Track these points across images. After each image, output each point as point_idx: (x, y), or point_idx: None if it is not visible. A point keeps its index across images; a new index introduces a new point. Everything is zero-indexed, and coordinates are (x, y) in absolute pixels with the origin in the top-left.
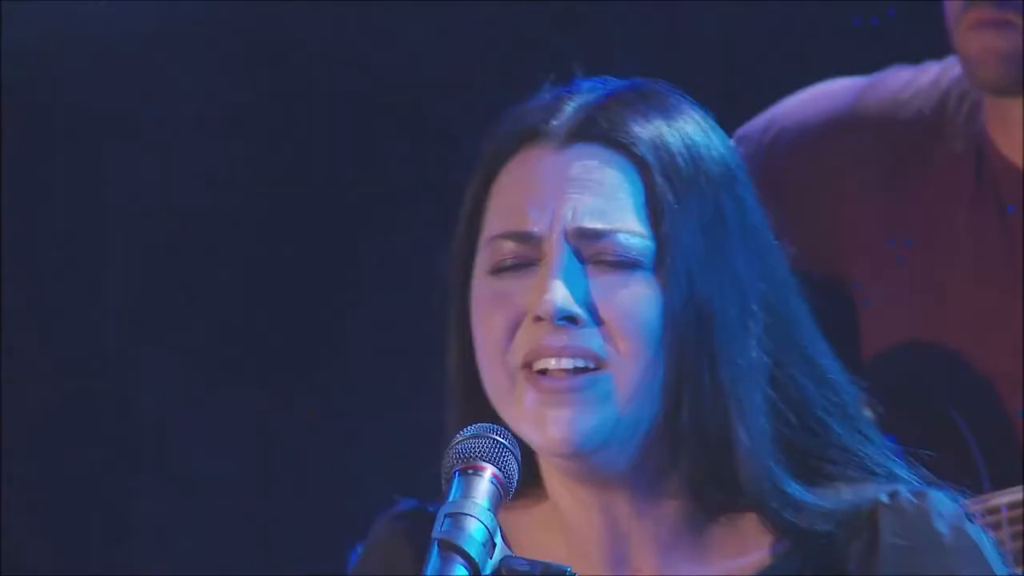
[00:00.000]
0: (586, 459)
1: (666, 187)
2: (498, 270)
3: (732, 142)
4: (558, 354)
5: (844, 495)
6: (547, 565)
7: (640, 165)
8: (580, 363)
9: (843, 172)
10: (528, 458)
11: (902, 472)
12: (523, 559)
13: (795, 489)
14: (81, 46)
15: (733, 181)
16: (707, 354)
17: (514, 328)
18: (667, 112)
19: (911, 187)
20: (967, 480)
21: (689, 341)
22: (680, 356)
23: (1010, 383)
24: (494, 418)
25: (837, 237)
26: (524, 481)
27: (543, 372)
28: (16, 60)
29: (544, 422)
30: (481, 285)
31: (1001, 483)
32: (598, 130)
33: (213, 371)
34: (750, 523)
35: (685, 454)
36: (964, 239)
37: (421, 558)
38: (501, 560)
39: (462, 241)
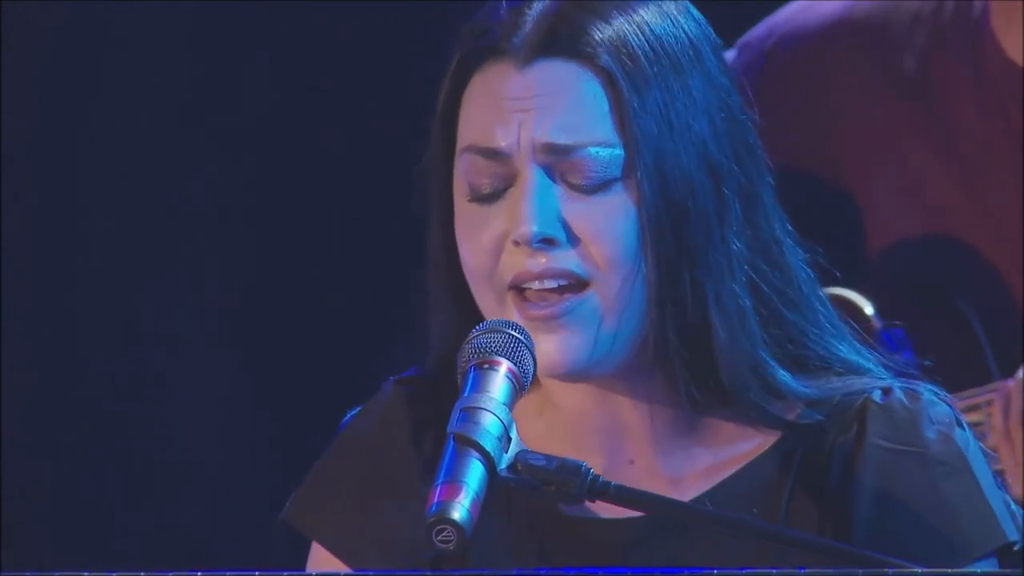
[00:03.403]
0: (578, 376)
1: (631, 92)
2: (476, 197)
3: (707, 26)
4: (541, 276)
5: (834, 384)
6: (563, 460)
7: (603, 74)
8: (563, 282)
9: (843, 72)
10: None
11: (878, 367)
12: (539, 454)
13: (781, 377)
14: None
15: (701, 58)
16: (686, 253)
17: (498, 252)
18: (625, 4)
19: (911, 85)
20: (976, 370)
21: (668, 243)
22: (660, 259)
23: (1017, 274)
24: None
25: (838, 137)
26: None
27: (528, 293)
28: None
29: (535, 346)
30: (461, 209)
31: (1010, 371)
32: (559, 43)
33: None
34: (740, 417)
35: (672, 354)
36: (965, 134)
37: (414, 424)
38: (517, 454)
39: (438, 149)
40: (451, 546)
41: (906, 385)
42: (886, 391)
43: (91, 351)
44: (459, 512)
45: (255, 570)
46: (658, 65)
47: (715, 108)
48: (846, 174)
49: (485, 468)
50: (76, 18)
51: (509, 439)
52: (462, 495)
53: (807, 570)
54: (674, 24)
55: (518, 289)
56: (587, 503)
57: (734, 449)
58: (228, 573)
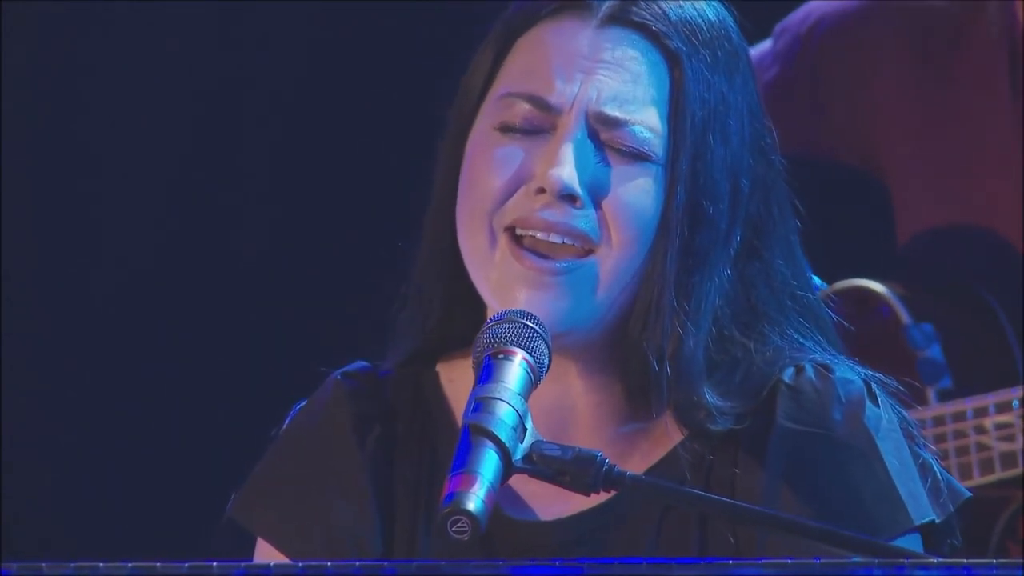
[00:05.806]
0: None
1: (694, 83)
2: (507, 128)
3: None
4: (549, 228)
5: (752, 369)
6: (578, 451)
7: (671, 59)
8: (568, 241)
9: (879, 58)
10: (481, 312)
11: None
12: (554, 444)
13: (708, 396)
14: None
15: (747, 80)
16: (692, 255)
17: (511, 189)
18: None
19: (945, 73)
20: (1002, 358)
21: (681, 238)
22: (664, 255)
23: None
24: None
25: (872, 122)
26: (472, 335)
27: (527, 240)
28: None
29: (516, 300)
30: (484, 139)
31: None
32: (638, 16)
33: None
34: (669, 421)
35: (634, 348)
36: (997, 123)
37: (359, 418)
38: (532, 445)
39: (473, 90)
40: (466, 537)
41: (819, 362)
42: (798, 370)
43: (91, 349)
44: (474, 503)
45: (269, 562)
46: (717, 69)
47: (747, 114)
48: (880, 161)
49: (500, 458)
50: (76, 18)
51: (524, 429)
52: (477, 486)
53: (823, 560)
54: (726, 23)
55: (514, 234)
56: (528, 503)
57: (657, 454)
58: (243, 563)
